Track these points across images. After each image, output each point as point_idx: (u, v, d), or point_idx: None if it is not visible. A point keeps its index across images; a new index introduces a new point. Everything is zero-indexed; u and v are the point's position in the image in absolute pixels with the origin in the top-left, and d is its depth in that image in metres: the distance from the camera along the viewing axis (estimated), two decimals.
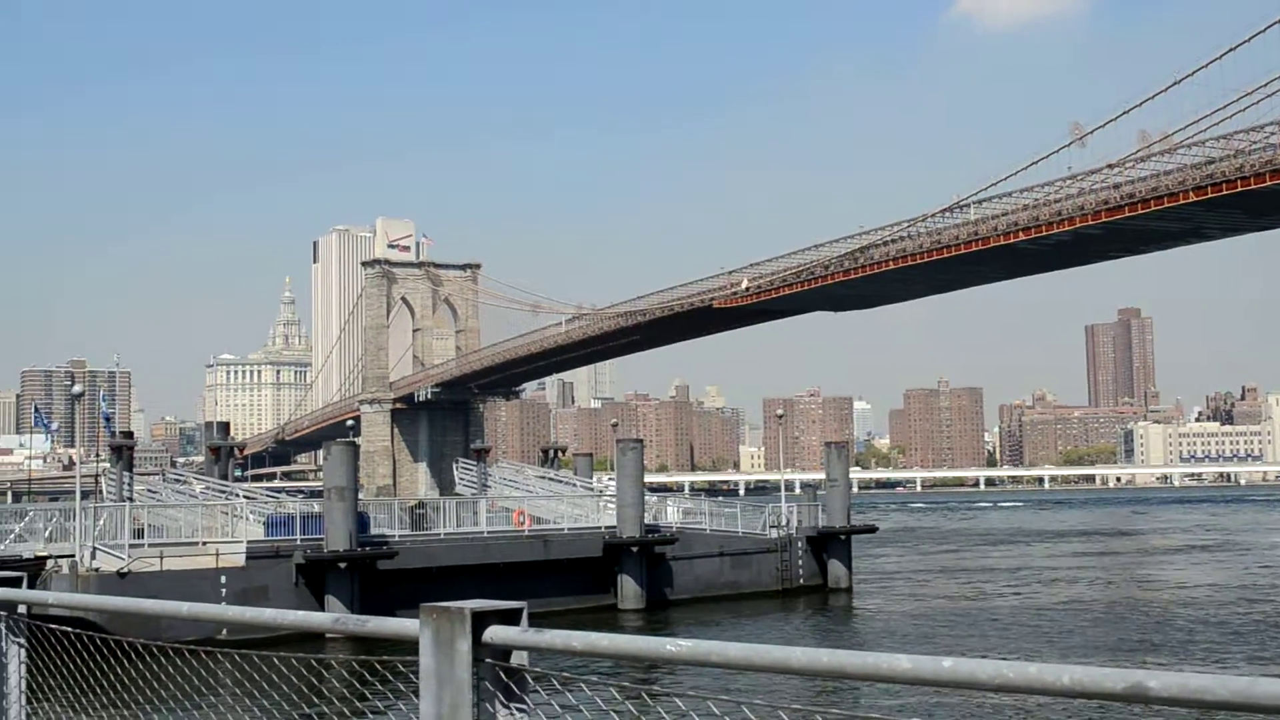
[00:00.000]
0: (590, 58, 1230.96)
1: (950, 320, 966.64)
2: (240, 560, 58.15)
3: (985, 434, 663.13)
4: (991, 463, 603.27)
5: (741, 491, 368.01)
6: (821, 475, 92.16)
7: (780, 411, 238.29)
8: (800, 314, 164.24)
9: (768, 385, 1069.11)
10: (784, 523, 79.87)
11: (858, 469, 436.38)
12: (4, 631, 8.55)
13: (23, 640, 8.62)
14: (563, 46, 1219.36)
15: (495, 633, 5.29)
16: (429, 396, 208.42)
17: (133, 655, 10.51)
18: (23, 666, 8.57)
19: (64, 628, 9.38)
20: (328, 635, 50.70)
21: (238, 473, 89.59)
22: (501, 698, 5.32)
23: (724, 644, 4.51)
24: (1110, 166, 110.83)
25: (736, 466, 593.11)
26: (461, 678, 5.28)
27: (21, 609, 8.61)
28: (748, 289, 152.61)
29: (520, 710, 5.34)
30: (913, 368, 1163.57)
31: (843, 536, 79.90)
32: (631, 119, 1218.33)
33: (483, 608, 5.33)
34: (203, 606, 6.61)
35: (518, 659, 5.38)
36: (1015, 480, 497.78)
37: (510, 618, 5.40)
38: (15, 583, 8.59)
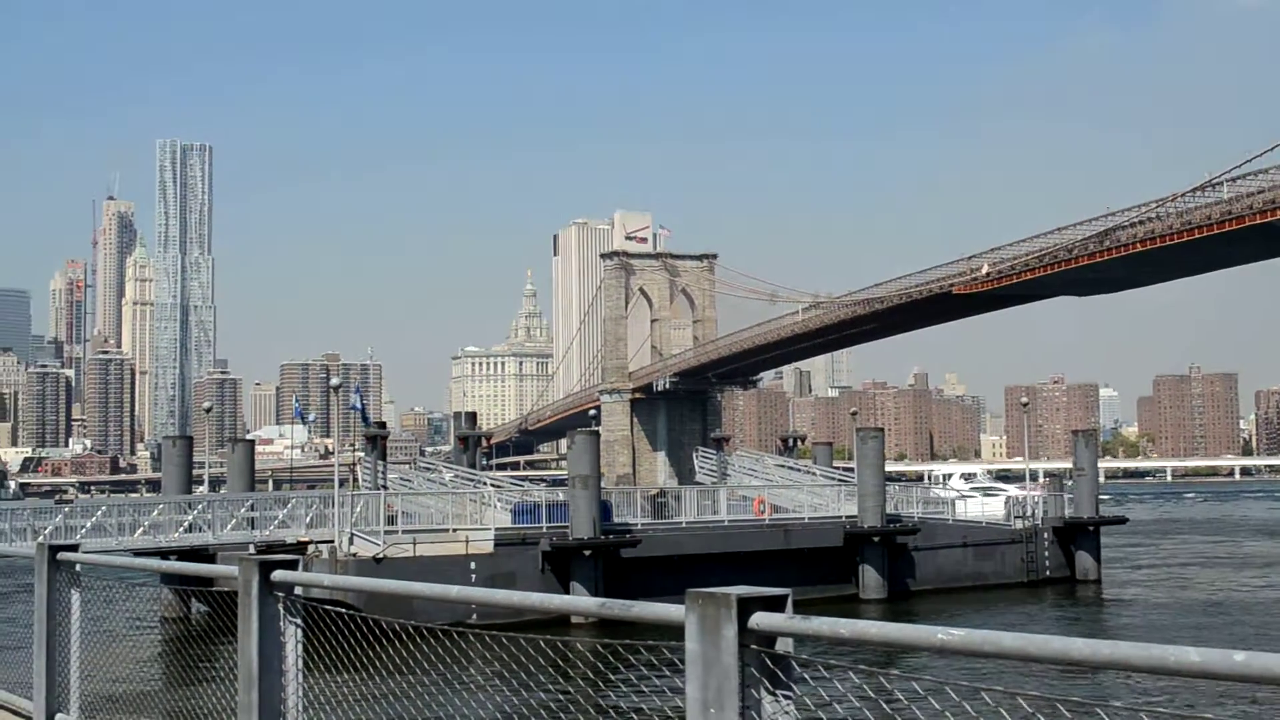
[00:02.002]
0: (832, 57, 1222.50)
1: (1201, 303, 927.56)
2: (489, 547, 59.70)
3: (1240, 421, 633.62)
4: (1247, 451, 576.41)
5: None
6: (1066, 464, 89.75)
7: (1024, 399, 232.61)
8: (1043, 299, 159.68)
9: (1009, 372, 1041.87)
10: (1029, 513, 78.05)
11: (1105, 458, 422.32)
12: (282, 612, 8.96)
13: (299, 620, 9.03)
14: (805, 47, 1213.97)
15: (761, 619, 5.32)
16: (667, 386, 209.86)
17: (388, 636, 10.94)
18: (299, 645, 8.94)
19: (336, 607, 9.82)
20: (572, 620, 51.78)
21: (484, 461, 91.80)
22: (767, 684, 5.35)
23: (998, 633, 4.45)
24: None
25: (977, 455, 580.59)
26: (727, 663, 5.33)
27: (298, 590, 9.01)
28: (988, 274, 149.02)
29: (786, 697, 5.37)
30: (1161, 353, 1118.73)
31: (1091, 527, 77.57)
32: (867, 115, 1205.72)
33: (748, 594, 5.37)
34: (489, 591, 6.84)
35: (782, 645, 5.40)
36: (1274, 470, 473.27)
37: (775, 604, 5.43)
38: (292, 565, 8.99)
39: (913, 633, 4.80)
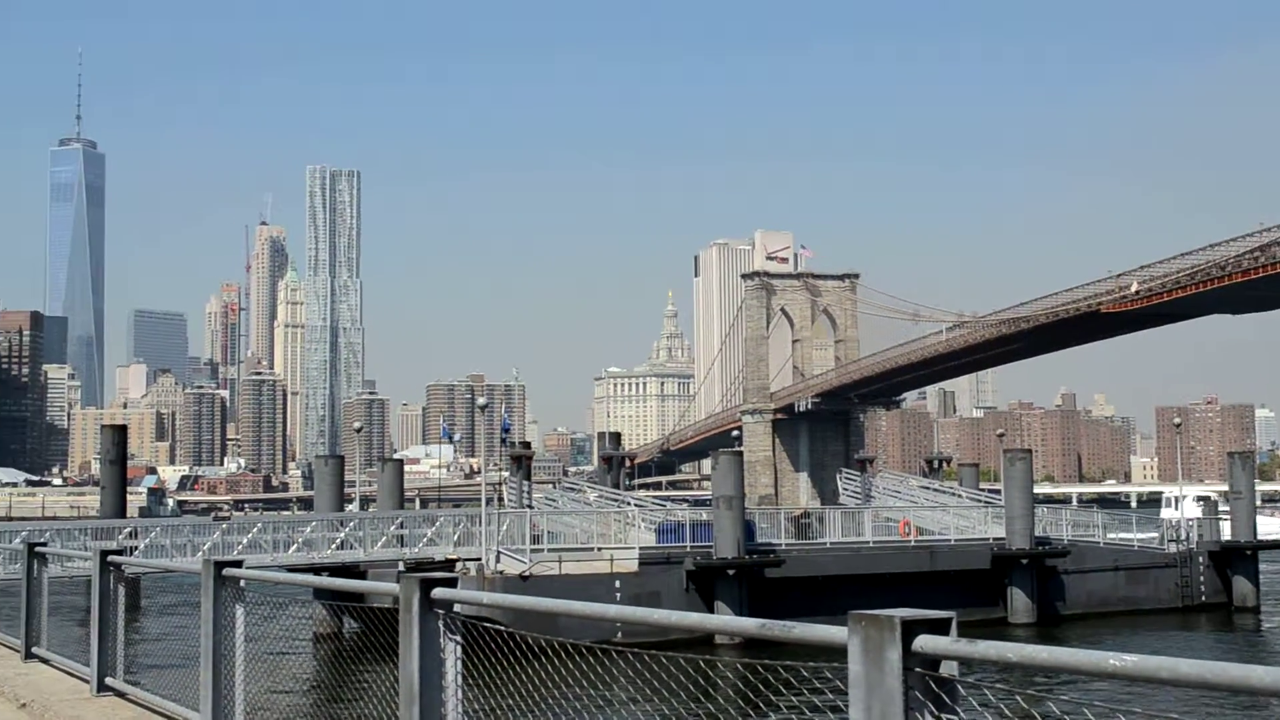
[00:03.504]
0: (974, 78, 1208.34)
1: None
2: (633, 565, 59.94)
3: None
4: None
5: (1133, 504, 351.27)
6: (1219, 487, 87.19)
7: (1177, 420, 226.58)
8: (1195, 317, 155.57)
9: (1160, 392, 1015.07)
10: (1183, 536, 75.97)
11: (1262, 481, 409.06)
12: (442, 629, 9.10)
13: (458, 637, 9.17)
14: (944, 71, 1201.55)
15: (925, 642, 5.29)
16: (809, 406, 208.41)
17: (534, 653, 11.06)
18: (459, 662, 9.08)
19: (485, 624, 9.96)
20: (716, 640, 51.67)
21: (627, 481, 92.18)
22: (932, 707, 5.32)
23: (1174, 660, 4.37)
24: None
25: (1127, 477, 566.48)
26: (891, 686, 5.31)
27: (458, 608, 9.16)
28: (1138, 292, 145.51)
29: None
30: None
31: (1249, 552, 75.24)
32: (1016, 137, 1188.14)
33: (912, 616, 5.35)
34: (655, 612, 6.88)
35: (946, 669, 5.37)
36: None
37: (939, 627, 5.40)
38: (452, 583, 9.14)
39: (1084, 658, 4.73)
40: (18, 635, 20.09)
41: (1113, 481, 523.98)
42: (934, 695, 5.33)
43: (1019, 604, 68.06)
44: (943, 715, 5.31)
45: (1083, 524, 77.58)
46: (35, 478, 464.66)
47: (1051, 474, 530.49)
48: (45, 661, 18.98)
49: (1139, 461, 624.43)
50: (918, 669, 5.31)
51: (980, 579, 67.83)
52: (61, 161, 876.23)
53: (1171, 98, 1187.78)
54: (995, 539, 70.18)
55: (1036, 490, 79.59)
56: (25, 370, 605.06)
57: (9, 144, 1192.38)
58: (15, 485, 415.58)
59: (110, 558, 16.22)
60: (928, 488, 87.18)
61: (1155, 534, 76.38)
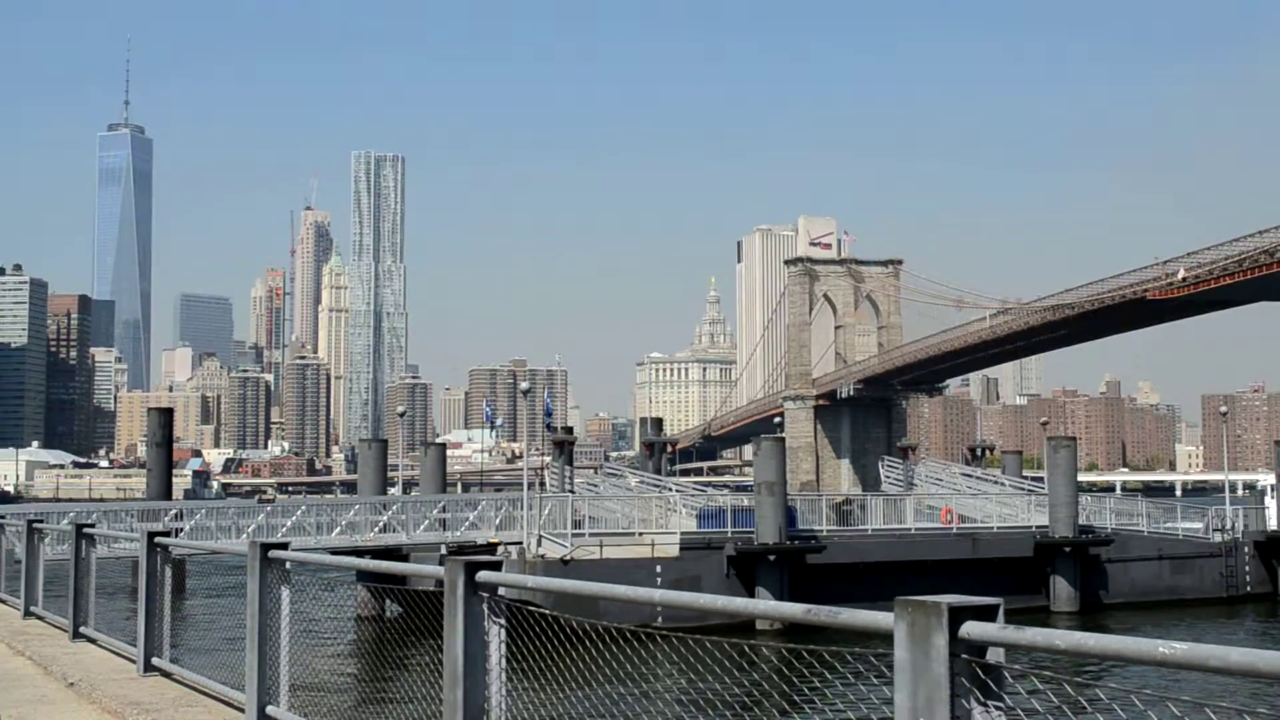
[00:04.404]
0: (1014, 64, 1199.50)
1: None
2: (674, 551, 60.02)
3: None
4: None
5: (1178, 492, 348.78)
6: (1267, 476, 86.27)
7: (1223, 408, 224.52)
8: (1242, 304, 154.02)
9: (1206, 380, 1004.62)
10: (1228, 526, 75.31)
11: None
12: (486, 612, 9.13)
13: (502, 620, 9.20)
14: (991, 69, 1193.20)
15: (972, 628, 5.27)
16: (851, 393, 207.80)
17: (577, 636, 11.08)
18: (503, 645, 9.10)
19: (527, 607, 9.98)
20: (757, 625, 51.68)
21: (668, 466, 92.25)
22: (979, 694, 5.30)
23: (1224, 648, 4.33)
24: None
25: (1172, 466, 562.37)
26: (938, 672, 5.29)
27: (502, 591, 9.18)
28: (1185, 279, 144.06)
29: (998, 708, 5.30)
30: None
31: None
32: (1061, 127, 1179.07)
33: (959, 603, 5.32)
34: (708, 598, 6.86)
35: (993, 655, 5.34)
36: None
37: (985, 614, 5.37)
38: (496, 566, 9.16)
39: (1133, 646, 4.69)
40: (66, 615, 20.31)
41: (1157, 470, 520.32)
42: (980, 682, 5.30)
43: (1062, 592, 67.71)
44: (989, 702, 5.28)
45: (1127, 512, 76.99)
46: (82, 460, 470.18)
47: (1095, 462, 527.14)
48: (93, 641, 19.18)
49: (1184, 450, 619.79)
50: (964, 655, 5.29)
51: (1023, 567, 67.49)
52: (110, 146, 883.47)
53: (1220, 94, 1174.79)
54: (1038, 527, 69.83)
55: (1080, 478, 79.03)
56: (73, 353, 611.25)
57: (58, 129, 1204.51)
58: (63, 467, 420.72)
59: (157, 539, 16.36)
60: (970, 475, 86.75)
61: (1200, 524, 75.66)
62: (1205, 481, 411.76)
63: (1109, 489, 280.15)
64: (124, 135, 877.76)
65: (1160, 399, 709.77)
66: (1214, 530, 75.03)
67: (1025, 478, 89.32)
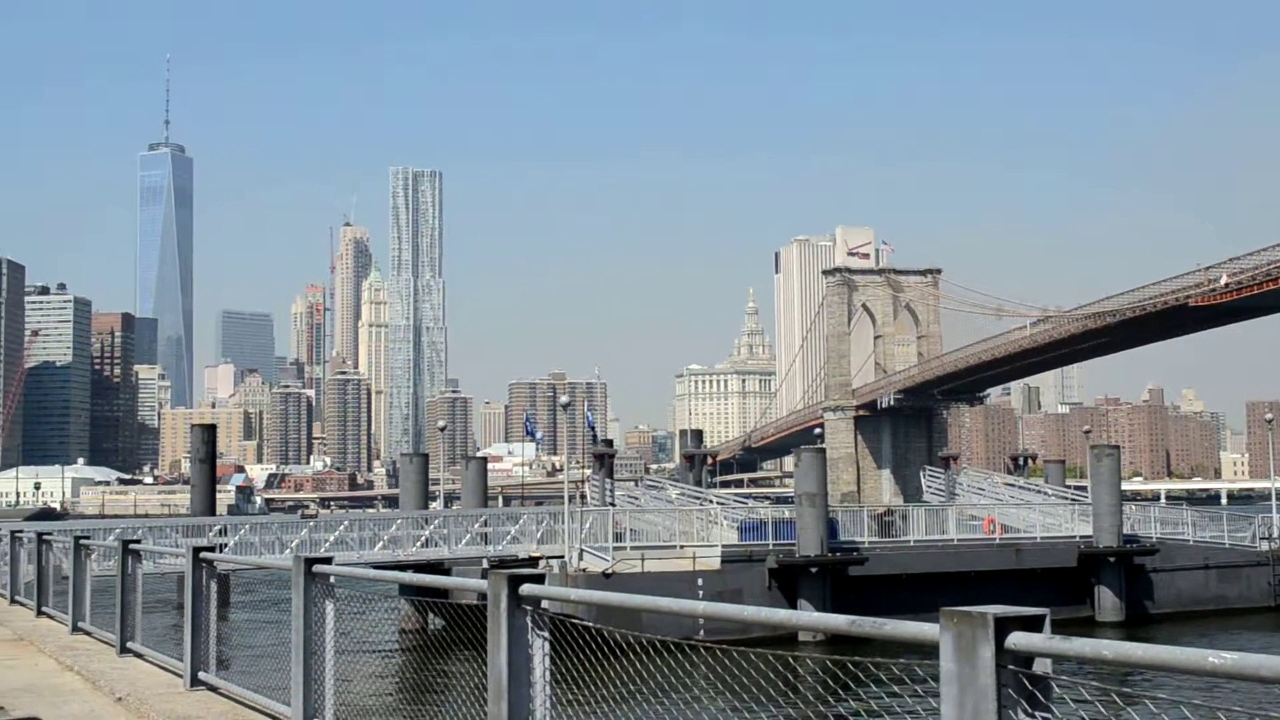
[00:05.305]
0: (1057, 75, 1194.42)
1: None
2: (716, 563, 59.87)
3: None
4: None
5: (1224, 500, 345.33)
6: None
7: (1269, 415, 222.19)
8: None
9: (1251, 387, 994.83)
10: (1275, 534, 74.57)
11: None
12: (530, 625, 9.15)
13: (546, 633, 9.21)
14: (1026, 62, 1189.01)
15: (1019, 639, 5.25)
16: (891, 403, 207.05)
17: (620, 649, 11.07)
18: (547, 658, 9.12)
19: (570, 620, 9.99)
20: (799, 638, 51.53)
21: (709, 479, 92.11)
22: (1026, 706, 5.28)
23: (1275, 658, 4.30)
24: None
25: (1217, 474, 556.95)
26: (984, 684, 5.27)
27: (545, 604, 9.20)
28: (1227, 285, 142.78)
29: (1045, 719, 5.28)
30: None
31: None
32: (1101, 134, 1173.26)
33: (1005, 613, 5.31)
34: (740, 608, 6.90)
35: (1040, 666, 5.32)
36: None
37: (1032, 624, 5.36)
38: (539, 580, 9.19)
39: (1182, 656, 4.66)
40: (113, 630, 20.47)
41: (1202, 478, 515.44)
42: (1028, 693, 5.29)
43: (1106, 603, 67.20)
44: (1037, 713, 5.26)
45: (1171, 521, 76.34)
46: (127, 476, 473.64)
47: (1139, 471, 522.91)
48: (139, 656, 19.32)
49: (1229, 458, 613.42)
50: (1011, 666, 5.27)
51: (1067, 577, 67.03)
52: (151, 166, 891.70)
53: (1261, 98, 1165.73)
54: (1082, 537, 69.34)
55: (1124, 487, 78.38)
56: (117, 371, 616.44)
57: (100, 149, 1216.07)
58: (108, 484, 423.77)
59: (202, 555, 16.47)
60: (1013, 485, 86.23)
61: (1246, 532, 74.93)
62: (1251, 489, 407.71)
63: (1153, 498, 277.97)
64: (164, 155, 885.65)
65: (1204, 406, 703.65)
66: (1261, 538, 74.29)
67: (1068, 487, 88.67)
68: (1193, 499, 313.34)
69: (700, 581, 58.02)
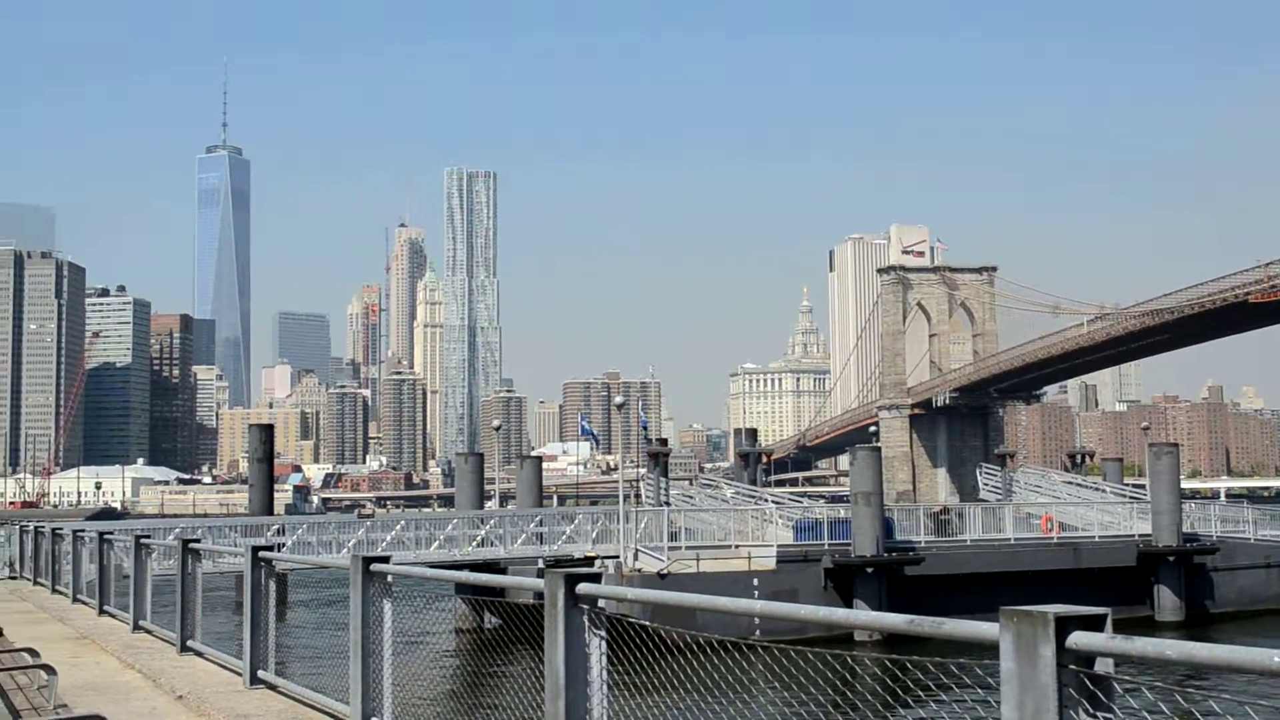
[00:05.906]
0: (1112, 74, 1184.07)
1: None
2: (771, 563, 59.64)
3: None
4: None
5: None
6: None
7: None
8: None
9: None
10: None
11: None
12: (587, 624, 9.16)
13: (603, 632, 9.22)
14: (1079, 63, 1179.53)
15: (1079, 639, 5.21)
16: (947, 401, 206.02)
17: (677, 648, 11.05)
18: (604, 657, 9.13)
19: (627, 619, 10.00)
20: (855, 638, 51.33)
21: (763, 478, 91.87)
22: (1087, 705, 5.23)
23: None
24: None
25: (1278, 472, 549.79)
26: (1045, 683, 5.23)
27: (601, 603, 9.21)
28: None
29: (1107, 719, 5.23)
30: None
31: None
32: (1154, 131, 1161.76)
33: (1066, 613, 5.26)
34: (798, 607, 6.90)
35: (1101, 666, 5.27)
36: None
37: (1093, 624, 5.31)
38: (596, 579, 9.20)
39: (1245, 656, 4.60)
40: (173, 629, 20.68)
41: (1262, 476, 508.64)
42: (1089, 693, 5.24)
43: (1166, 602, 66.49)
44: (1098, 713, 5.21)
45: (1232, 519, 75.38)
46: (186, 476, 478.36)
47: (1198, 469, 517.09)
48: (199, 654, 19.51)
49: None
50: (1072, 666, 5.23)
51: (1126, 576, 66.36)
52: (208, 168, 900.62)
53: None
54: (1141, 535, 68.65)
55: (1183, 485, 77.54)
56: (176, 372, 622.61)
57: (159, 152, 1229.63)
58: (168, 483, 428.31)
59: (261, 554, 16.60)
60: (1070, 483, 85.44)
61: None
62: None
63: (1213, 495, 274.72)
64: (222, 157, 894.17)
65: (1265, 404, 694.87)
66: None
67: (1127, 485, 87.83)
68: (1253, 497, 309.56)
69: (755, 582, 57.80)
